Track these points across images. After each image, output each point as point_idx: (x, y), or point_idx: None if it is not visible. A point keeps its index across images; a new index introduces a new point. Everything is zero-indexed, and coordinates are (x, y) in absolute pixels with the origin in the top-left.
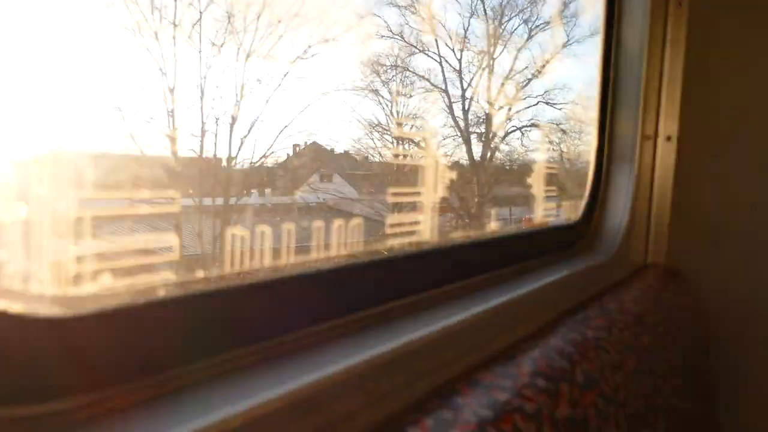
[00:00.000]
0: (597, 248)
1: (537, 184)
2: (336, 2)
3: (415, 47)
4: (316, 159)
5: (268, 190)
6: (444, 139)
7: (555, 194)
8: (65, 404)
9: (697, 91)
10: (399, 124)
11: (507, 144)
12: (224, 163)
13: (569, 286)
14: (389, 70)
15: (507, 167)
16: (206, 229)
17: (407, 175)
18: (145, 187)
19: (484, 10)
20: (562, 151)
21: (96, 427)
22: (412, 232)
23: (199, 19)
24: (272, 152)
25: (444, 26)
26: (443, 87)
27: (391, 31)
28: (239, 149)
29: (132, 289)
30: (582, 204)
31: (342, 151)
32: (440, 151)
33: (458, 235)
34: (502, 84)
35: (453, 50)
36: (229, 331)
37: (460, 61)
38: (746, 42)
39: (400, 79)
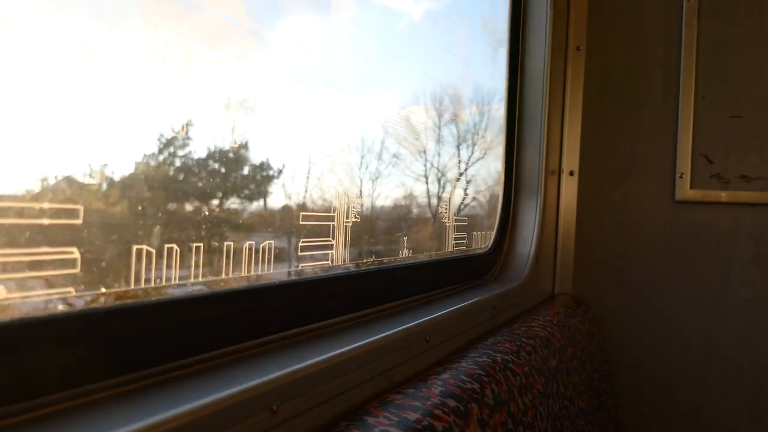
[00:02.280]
0: (506, 277)
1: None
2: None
3: None
4: None
5: None
6: None
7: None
8: None
9: (596, 129)
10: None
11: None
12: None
13: (479, 313)
14: None
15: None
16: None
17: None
18: None
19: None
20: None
21: None
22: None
23: None
24: None
25: None
26: None
27: None
28: None
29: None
30: (491, 235)
31: None
32: None
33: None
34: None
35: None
36: (130, 352)
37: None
38: (637, 82)
39: None
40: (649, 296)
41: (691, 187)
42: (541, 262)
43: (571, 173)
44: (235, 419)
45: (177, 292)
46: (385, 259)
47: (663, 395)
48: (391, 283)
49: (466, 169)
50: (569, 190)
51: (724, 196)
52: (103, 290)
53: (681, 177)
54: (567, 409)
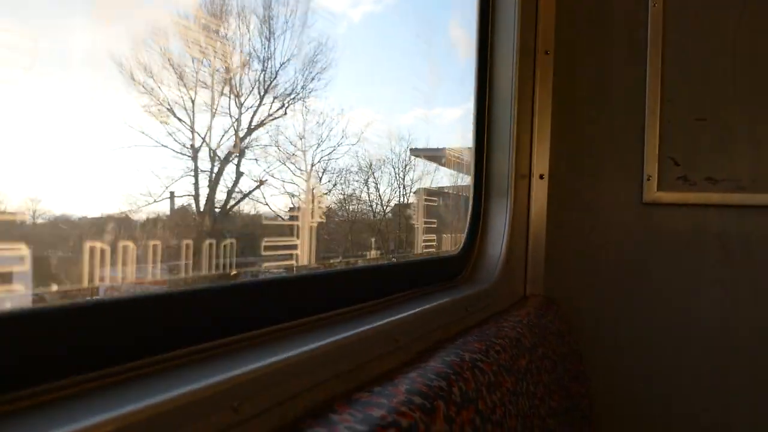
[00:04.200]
0: (476, 279)
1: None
2: None
3: None
4: None
5: None
6: None
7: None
8: None
9: (566, 132)
10: None
11: None
12: None
13: (449, 313)
14: None
15: None
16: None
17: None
18: None
19: None
20: None
21: None
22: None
23: None
24: None
25: None
26: None
27: None
28: None
29: None
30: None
31: None
32: None
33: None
34: None
35: None
36: (90, 350)
37: None
38: (605, 85)
39: None
40: (621, 297)
41: (658, 189)
42: (512, 263)
43: (541, 176)
44: (196, 417)
45: (140, 291)
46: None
47: (637, 394)
48: (361, 284)
49: None
50: (539, 192)
51: (690, 197)
52: None
53: (648, 179)
54: (537, 408)
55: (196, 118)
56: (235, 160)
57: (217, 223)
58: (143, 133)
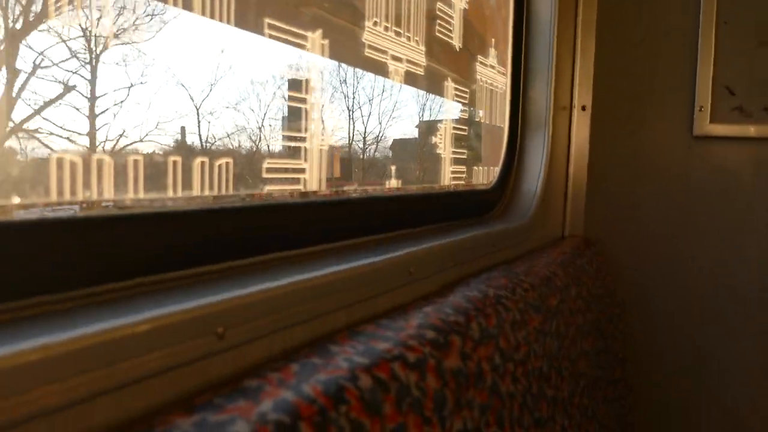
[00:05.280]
0: (509, 216)
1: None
2: None
3: None
4: None
5: None
6: None
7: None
8: None
9: (611, 60)
10: None
11: None
12: None
13: (475, 249)
14: None
15: None
16: None
17: None
18: None
19: None
20: None
21: None
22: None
23: None
24: None
25: None
26: None
27: None
28: None
29: None
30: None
31: None
32: None
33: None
34: None
35: None
36: (80, 267)
37: None
38: (655, 8)
39: None
40: (664, 238)
41: (710, 122)
42: (549, 201)
43: (583, 108)
44: (178, 338)
45: (135, 209)
46: (370, 188)
47: (674, 339)
48: (378, 215)
49: None
50: (581, 125)
51: (746, 130)
52: None
53: (700, 110)
54: (567, 350)
55: None
56: None
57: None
58: None
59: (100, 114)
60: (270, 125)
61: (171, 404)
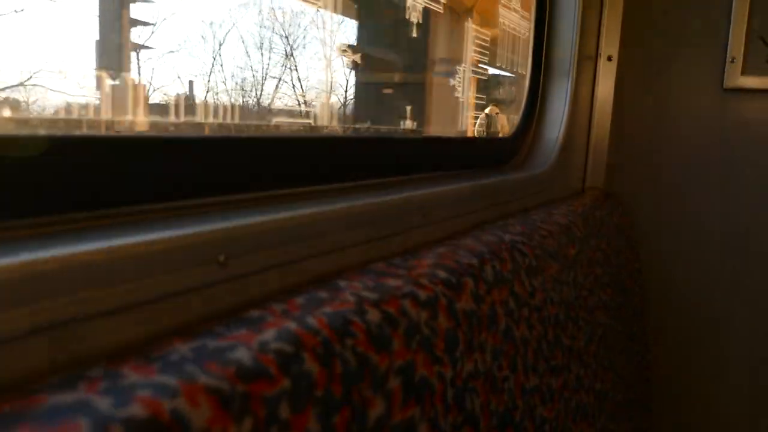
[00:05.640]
0: (529, 165)
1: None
2: None
3: None
4: None
5: None
6: None
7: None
8: None
9: (639, 10)
10: None
11: None
12: None
13: (492, 195)
14: None
15: None
16: None
17: None
18: None
19: None
20: None
21: None
22: None
23: None
24: None
25: None
26: None
27: None
28: None
29: None
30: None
31: None
32: None
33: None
34: None
35: None
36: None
37: None
38: None
39: None
40: (689, 194)
41: (743, 73)
42: (570, 151)
43: (609, 58)
44: (178, 264)
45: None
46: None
47: (695, 299)
48: (394, 157)
49: None
50: (606, 76)
51: None
52: None
53: (732, 62)
54: (585, 299)
55: None
56: None
57: None
58: None
59: None
60: None
61: (171, 330)
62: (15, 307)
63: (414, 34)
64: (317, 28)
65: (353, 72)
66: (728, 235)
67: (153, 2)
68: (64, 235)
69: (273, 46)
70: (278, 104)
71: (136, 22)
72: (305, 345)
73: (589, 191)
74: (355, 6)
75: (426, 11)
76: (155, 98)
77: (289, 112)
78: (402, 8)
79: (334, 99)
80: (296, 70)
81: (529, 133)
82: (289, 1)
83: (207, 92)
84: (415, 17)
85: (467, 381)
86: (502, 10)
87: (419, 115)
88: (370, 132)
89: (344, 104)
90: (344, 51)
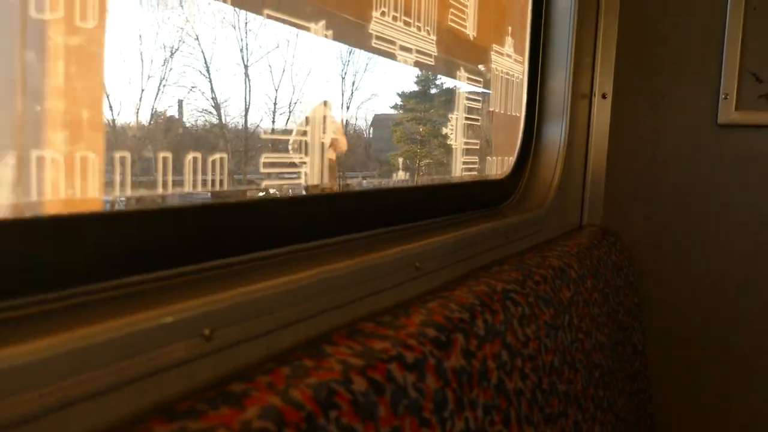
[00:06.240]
0: (525, 207)
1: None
2: None
3: None
4: None
5: None
6: None
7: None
8: None
9: (634, 47)
10: None
11: None
12: None
13: (486, 241)
14: None
15: None
16: None
17: None
18: None
19: None
20: None
21: None
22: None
23: None
24: None
25: None
26: None
27: None
28: None
29: None
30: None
31: None
32: None
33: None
34: None
35: None
36: (51, 269)
37: None
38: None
39: None
40: (686, 229)
41: (736, 109)
42: (566, 190)
43: (604, 96)
44: (162, 341)
45: (117, 207)
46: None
47: (696, 334)
48: (385, 208)
49: None
50: (602, 114)
51: None
52: None
53: (725, 98)
54: (581, 342)
55: None
56: None
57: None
58: None
59: None
60: None
61: (153, 410)
62: None
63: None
64: None
65: None
66: (726, 268)
67: None
68: (36, 319)
69: None
70: None
71: None
72: (288, 422)
73: (587, 228)
74: None
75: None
76: None
77: None
78: None
79: None
80: None
81: (524, 174)
82: None
83: None
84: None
85: None
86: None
87: None
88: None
89: None
90: None
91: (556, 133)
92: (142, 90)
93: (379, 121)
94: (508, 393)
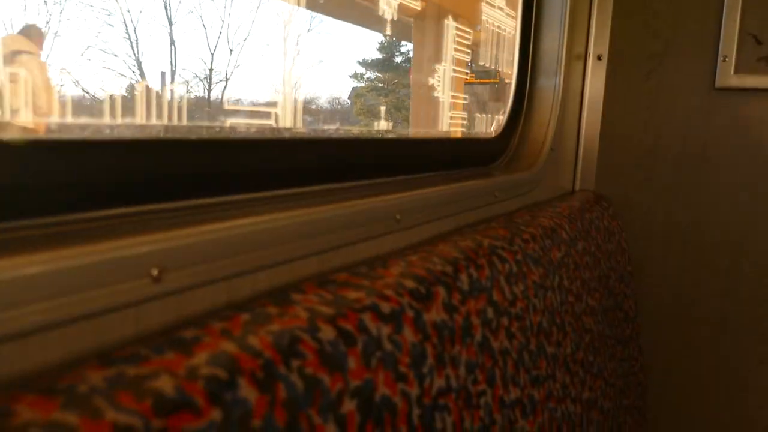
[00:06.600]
0: (515, 167)
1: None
2: None
3: None
4: None
5: None
6: None
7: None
8: None
9: (630, 7)
10: None
11: None
12: None
13: (473, 198)
14: None
15: None
16: None
17: None
18: None
19: None
20: None
21: None
22: None
23: None
24: None
25: None
26: None
27: None
28: None
29: None
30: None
31: None
32: None
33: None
34: None
35: None
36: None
37: None
38: None
39: None
40: (681, 195)
41: (735, 72)
42: (559, 152)
43: (599, 57)
44: (102, 280)
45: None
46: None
47: (688, 300)
48: (367, 158)
49: None
50: (597, 75)
51: None
52: None
53: (724, 60)
54: (571, 305)
55: None
56: None
57: None
58: None
59: None
60: None
61: (89, 356)
62: None
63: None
64: None
65: None
66: (721, 234)
67: None
68: None
69: None
70: None
71: None
72: (242, 369)
73: (579, 192)
74: None
75: None
76: None
77: None
78: None
79: None
80: None
81: (515, 134)
82: None
83: None
84: None
85: (437, 398)
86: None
87: None
88: (341, 132)
89: None
90: None
91: (548, 93)
92: None
93: None
94: (493, 352)
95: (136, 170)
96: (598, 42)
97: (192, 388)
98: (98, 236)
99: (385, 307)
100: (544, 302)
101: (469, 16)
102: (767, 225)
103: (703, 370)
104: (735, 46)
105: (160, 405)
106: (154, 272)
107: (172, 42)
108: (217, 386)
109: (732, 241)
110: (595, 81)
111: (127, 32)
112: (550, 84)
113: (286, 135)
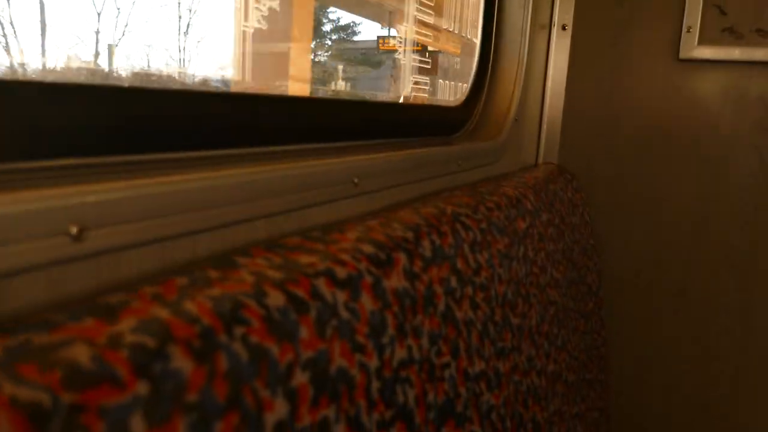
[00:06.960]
0: (480, 135)
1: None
2: None
3: None
4: None
5: None
6: None
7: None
8: None
9: None
10: None
11: None
12: None
13: (435, 166)
14: None
15: None
16: None
17: None
18: None
19: None
20: None
21: None
22: None
23: None
24: None
25: None
26: None
27: None
28: None
29: None
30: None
31: None
32: None
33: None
34: None
35: None
36: None
37: None
38: None
39: None
40: (643, 168)
41: (698, 43)
42: (522, 123)
43: (564, 27)
44: (12, 237)
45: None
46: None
47: (650, 274)
48: (322, 120)
49: None
50: (561, 46)
51: (735, 53)
52: None
53: (688, 31)
54: (536, 276)
55: None
56: None
57: None
58: None
59: None
60: None
61: None
62: None
63: None
64: None
65: None
66: (684, 209)
67: None
68: None
69: None
70: None
71: None
72: (175, 337)
73: (543, 165)
74: None
75: None
76: None
77: None
78: None
79: None
80: None
81: (479, 103)
82: None
83: None
84: None
85: (398, 371)
86: None
87: None
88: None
89: None
90: None
91: (513, 62)
92: None
93: None
94: (457, 322)
95: (60, 119)
96: (562, 11)
97: (113, 357)
98: (6, 189)
99: (341, 273)
100: (509, 272)
101: None
102: (728, 196)
103: (665, 342)
104: (699, 17)
105: (72, 377)
106: (73, 230)
107: None
108: (144, 356)
109: (693, 212)
110: (559, 51)
111: None
112: (514, 54)
113: (241, 91)
